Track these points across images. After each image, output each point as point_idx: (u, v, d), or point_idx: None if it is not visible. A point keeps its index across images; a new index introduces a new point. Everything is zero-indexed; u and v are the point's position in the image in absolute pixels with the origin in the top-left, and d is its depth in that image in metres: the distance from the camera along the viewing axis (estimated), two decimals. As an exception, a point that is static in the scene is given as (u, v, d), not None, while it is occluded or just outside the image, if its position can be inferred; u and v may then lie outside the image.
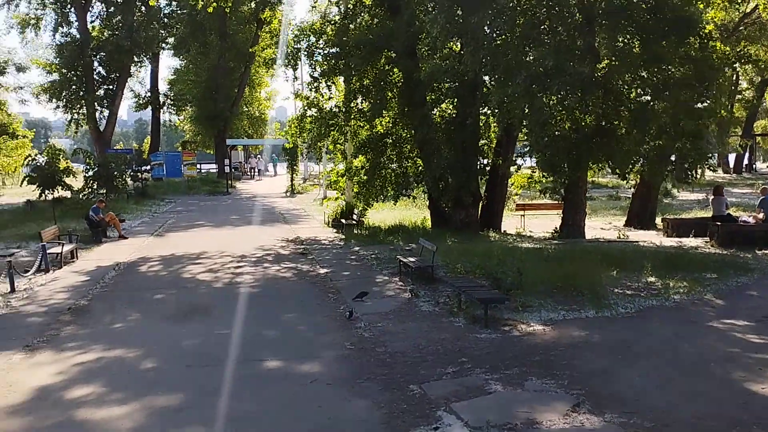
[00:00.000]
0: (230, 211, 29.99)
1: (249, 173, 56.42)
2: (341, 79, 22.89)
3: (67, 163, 25.03)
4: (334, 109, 22.64)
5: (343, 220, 22.61)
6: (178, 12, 46.81)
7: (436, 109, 21.24)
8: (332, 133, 22.72)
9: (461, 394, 6.77)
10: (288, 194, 40.00)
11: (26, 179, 24.65)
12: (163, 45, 46.91)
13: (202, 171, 53.15)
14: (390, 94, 21.81)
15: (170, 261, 16.70)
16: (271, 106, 66.54)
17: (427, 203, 23.63)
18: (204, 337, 9.70)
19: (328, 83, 22.25)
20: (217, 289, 13.45)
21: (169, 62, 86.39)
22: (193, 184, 42.41)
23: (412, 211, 27.55)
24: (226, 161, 43.57)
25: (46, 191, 22.47)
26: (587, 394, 6.69)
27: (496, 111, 17.01)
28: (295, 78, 23.15)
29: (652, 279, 12.28)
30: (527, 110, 14.22)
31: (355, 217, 22.73)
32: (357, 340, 9.19)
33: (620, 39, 14.91)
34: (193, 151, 52.49)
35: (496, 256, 13.55)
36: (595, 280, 11.43)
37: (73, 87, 41.48)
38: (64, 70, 40.50)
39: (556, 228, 20.58)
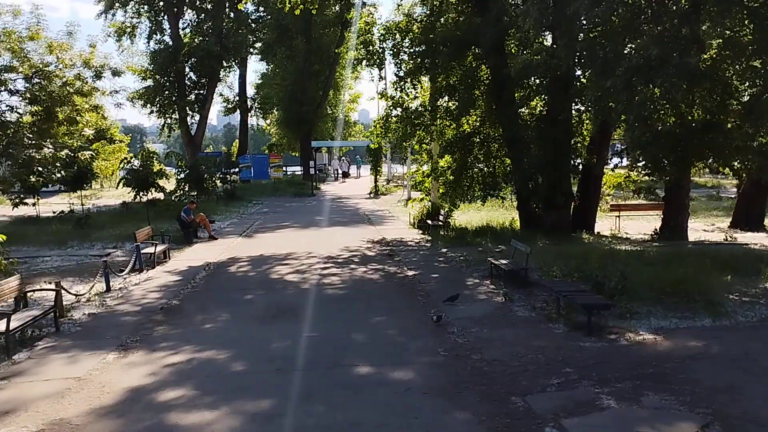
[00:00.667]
0: (315, 213, 30.12)
1: (333, 175, 56.88)
2: (427, 78, 22.49)
3: (160, 165, 25.76)
4: (420, 109, 22.25)
5: (429, 221, 22.18)
6: (265, 17, 47.69)
7: (525, 107, 20.47)
8: (418, 132, 22.32)
9: (570, 410, 6.22)
10: (372, 195, 39.93)
11: (122, 181, 25.51)
12: (251, 50, 47.83)
13: (288, 173, 53.97)
14: (477, 92, 21.23)
15: (258, 261, 16.74)
16: (355, 108, 66.94)
17: (516, 204, 22.87)
18: (293, 339, 9.48)
19: (414, 82, 21.90)
20: (304, 290, 13.30)
21: (256, 66, 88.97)
22: (279, 186, 43.01)
23: (499, 212, 26.82)
24: (311, 163, 43.95)
25: (141, 193, 23.13)
26: (715, 414, 6.00)
27: (591, 107, 16.13)
28: (381, 78, 22.83)
29: (772, 285, 11.26)
30: (627, 105, 13.33)
31: (441, 218, 22.26)
32: (451, 346, 8.75)
33: (729, 25, 13.76)
34: (279, 153, 53.34)
35: (596, 258, 12.78)
36: (707, 285, 10.53)
37: (166, 92, 42.83)
38: (157, 76, 41.88)
39: (655, 229, 19.44)
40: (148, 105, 43.05)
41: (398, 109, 22.59)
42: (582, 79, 18.35)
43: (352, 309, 11.51)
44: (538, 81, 19.45)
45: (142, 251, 16.72)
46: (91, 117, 58.97)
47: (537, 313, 10.30)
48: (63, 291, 11.84)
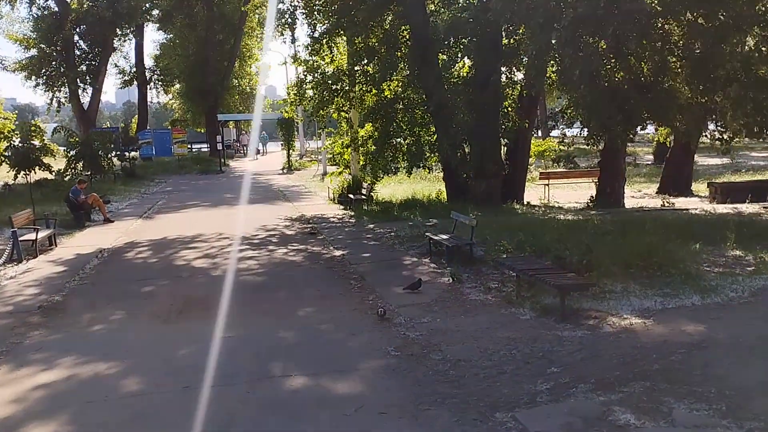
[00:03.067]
0: (226, 190, 27.83)
1: (241, 151, 53.95)
2: (344, 40, 20.69)
3: (42, 140, 22.80)
4: (337, 73, 20.44)
5: (351, 196, 20.53)
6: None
7: (451, 69, 19.03)
8: (336, 99, 20.51)
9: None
10: (285, 171, 37.83)
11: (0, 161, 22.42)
12: (148, 17, 44.19)
13: (194, 150, 50.80)
14: (399, 54, 19.60)
15: (161, 246, 14.64)
16: (263, 81, 63.93)
17: (442, 174, 21.54)
18: (205, 342, 7.66)
19: (330, 44, 20.02)
20: (216, 278, 11.41)
21: (154, 36, 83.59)
22: (184, 163, 40.14)
23: (423, 184, 25.52)
24: (218, 138, 41.20)
25: (22, 172, 20.29)
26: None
27: (529, 65, 14.83)
28: (293, 40, 20.82)
29: (739, 252, 10.30)
30: (572, 60, 12.09)
31: (364, 191, 20.66)
32: (401, 343, 7.19)
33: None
34: (183, 129, 50.04)
35: (544, 230, 11.52)
36: (678, 256, 9.40)
37: (54, 63, 38.92)
38: (42, 45, 37.88)
39: (591, 197, 18.57)
40: (33, 77, 39.02)
41: (314, 74, 20.68)
42: (514, 37, 17.06)
43: (276, 299, 9.77)
44: (465, 41, 18.01)
45: (22, 238, 14.31)
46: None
47: (493, 296, 8.91)
48: None
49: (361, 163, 22.67)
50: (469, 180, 18.73)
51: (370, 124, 21.14)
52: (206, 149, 48.89)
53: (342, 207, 20.49)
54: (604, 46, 12.12)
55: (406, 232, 14.56)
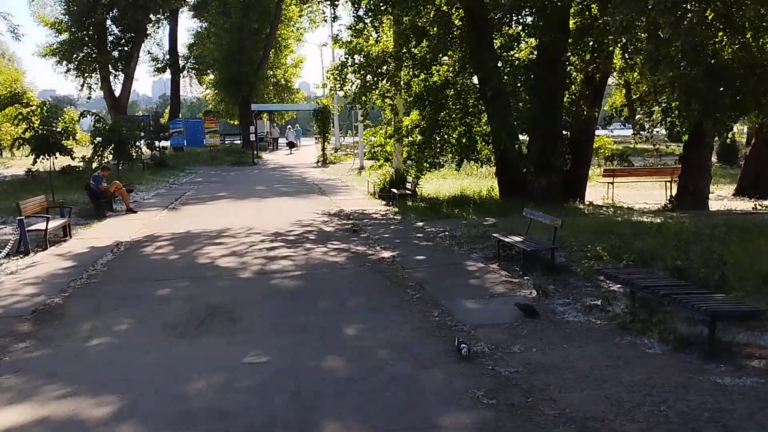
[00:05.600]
0: (257, 182, 26.21)
1: (272, 145, 52.25)
2: (390, 20, 18.78)
3: (64, 123, 21.32)
4: (382, 55, 18.55)
5: (394, 190, 18.66)
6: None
7: (512, 51, 17.01)
8: (380, 84, 18.65)
9: None
10: (319, 164, 36.13)
11: (15, 143, 20.94)
12: (182, 3, 42.79)
13: (226, 143, 49.41)
14: (451, 35, 17.63)
15: (184, 240, 12.94)
16: (298, 74, 62.25)
17: (495, 169, 19.55)
18: (228, 370, 5.88)
19: (375, 24, 18.15)
20: (244, 280, 9.65)
21: (188, 24, 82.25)
22: (216, 154, 38.77)
23: (468, 180, 23.55)
24: (252, 129, 39.63)
25: (42, 157, 18.86)
26: None
27: (615, 41, 12.75)
28: (335, 18, 19.05)
29: None
30: (673, 30, 10.03)
31: (408, 186, 18.77)
32: (494, 384, 5.28)
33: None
34: (216, 119, 48.69)
35: (644, 234, 9.49)
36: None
37: (85, 48, 37.68)
38: (73, 29, 36.65)
39: (670, 197, 16.40)
40: (64, 62, 37.85)
41: (357, 56, 18.84)
42: (586, 14, 15.02)
43: (316, 310, 7.93)
44: (529, 20, 16.03)
45: (31, 228, 12.78)
46: (3, 77, 53.07)
47: (597, 317, 6.96)
48: None
49: (405, 155, 20.84)
50: (529, 175, 16.72)
51: (417, 112, 19.27)
52: (239, 142, 47.43)
53: (384, 202, 18.66)
54: (711, 15, 10.06)
55: (463, 232, 12.67)
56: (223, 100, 51.40)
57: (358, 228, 14.01)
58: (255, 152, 38.13)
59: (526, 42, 17.01)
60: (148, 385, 5.58)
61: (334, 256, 11.21)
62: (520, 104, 17.09)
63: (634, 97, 16.81)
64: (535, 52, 16.85)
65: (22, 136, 18.91)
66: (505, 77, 16.93)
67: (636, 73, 17.28)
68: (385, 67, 18.47)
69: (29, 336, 7.16)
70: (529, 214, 10.33)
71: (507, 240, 9.83)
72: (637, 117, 15.84)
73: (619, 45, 13.45)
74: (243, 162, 36.35)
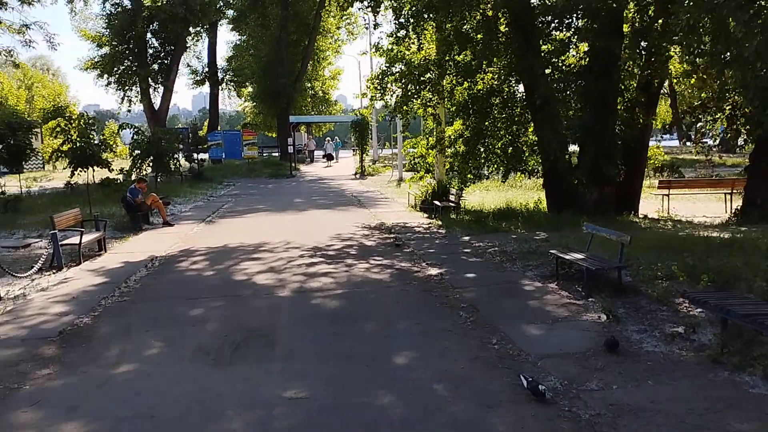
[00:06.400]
0: (295, 194, 25.77)
1: (309, 157, 51.87)
2: (432, 26, 18.13)
3: (111, 137, 21.18)
4: (425, 62, 17.90)
5: (436, 203, 17.93)
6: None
7: (562, 57, 16.17)
8: (423, 92, 18.01)
9: None
10: (357, 176, 35.64)
11: (53, 156, 20.84)
12: (221, 15, 42.91)
13: (264, 155, 49.30)
14: (497, 41, 16.89)
15: (220, 255, 12.41)
16: (336, 86, 62.13)
17: (542, 180, 18.70)
18: (265, 407, 5.24)
19: (417, 31, 17.51)
20: (283, 300, 9.02)
21: (227, 37, 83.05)
22: (253, 166, 38.57)
23: (512, 192, 22.74)
24: (289, 141, 39.35)
25: (79, 170, 18.67)
26: None
27: (680, 40, 11.87)
28: (376, 25, 18.44)
29: None
30: (746, 27, 9.18)
31: (452, 198, 18.02)
32: (574, 431, 4.51)
33: None
34: (254, 131, 48.64)
35: (750, 253, 8.59)
36: None
37: (125, 61, 37.91)
38: (114, 43, 36.90)
39: (735, 210, 15.35)
40: (105, 75, 38.14)
41: (398, 65, 18.23)
42: (643, 16, 14.16)
43: (361, 335, 7.26)
44: (581, 23, 15.21)
45: (65, 242, 12.41)
46: (47, 91, 53.86)
47: (681, 347, 6.14)
48: None
49: (447, 166, 20.13)
50: (580, 186, 15.85)
51: (460, 121, 18.56)
52: (276, 154, 47.26)
53: (425, 215, 17.96)
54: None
55: (513, 248, 11.89)
56: (261, 112, 51.45)
57: (401, 242, 13.32)
58: (293, 164, 37.85)
59: (577, 47, 16.17)
60: (176, 424, 4.97)
61: (378, 273, 10.54)
62: (570, 112, 16.25)
63: (695, 104, 15.80)
64: (586, 58, 16.00)
65: (60, 148, 18.77)
66: (554, 84, 16.13)
67: (693, 80, 16.34)
68: (427, 75, 17.85)
69: (53, 361, 6.63)
70: (590, 228, 9.52)
71: (567, 257, 9.02)
72: (698, 125, 14.84)
73: (682, 47, 12.53)
74: (281, 174, 36.05)
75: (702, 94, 15.99)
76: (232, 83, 49.44)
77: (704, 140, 15.96)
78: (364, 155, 38.19)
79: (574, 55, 16.72)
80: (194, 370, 6.28)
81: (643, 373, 5.56)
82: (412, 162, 24.43)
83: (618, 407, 4.85)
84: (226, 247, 13.31)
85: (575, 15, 15.09)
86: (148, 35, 37.93)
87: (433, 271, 10.41)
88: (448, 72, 17.50)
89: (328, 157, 49.17)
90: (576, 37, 15.41)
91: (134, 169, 25.27)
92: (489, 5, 16.48)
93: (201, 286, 9.99)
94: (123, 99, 39.26)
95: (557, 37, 16.29)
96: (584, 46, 15.99)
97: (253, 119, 56.49)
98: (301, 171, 40.17)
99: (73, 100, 62.75)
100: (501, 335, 6.84)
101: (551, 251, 9.73)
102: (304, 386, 5.68)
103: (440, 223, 16.03)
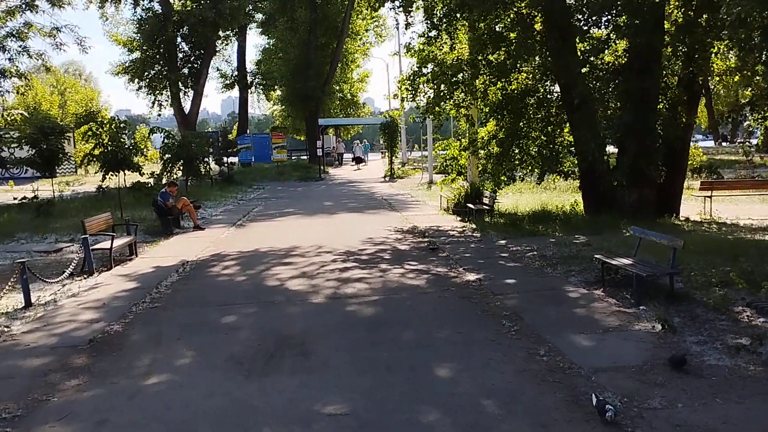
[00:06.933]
0: (325, 197, 25.54)
1: (338, 160, 51.66)
2: (465, 26, 17.75)
3: (142, 141, 21.19)
4: (457, 62, 17.52)
5: (470, 205, 17.53)
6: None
7: (600, 55, 15.68)
8: (455, 93, 17.65)
9: None
10: (387, 179, 35.33)
11: (84, 160, 20.89)
12: (250, 19, 42.97)
13: (293, 158, 49.26)
14: (531, 40, 16.44)
15: (251, 260, 12.19)
16: (364, 89, 61.94)
17: (577, 183, 18.23)
18: (302, 421, 4.95)
19: (449, 30, 17.16)
20: (316, 306, 8.74)
21: (255, 41, 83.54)
22: (283, 170, 38.50)
23: (546, 194, 22.24)
24: (318, 144, 39.22)
25: (110, 174, 18.67)
26: None
27: (730, 34, 11.34)
28: (407, 25, 18.07)
29: None
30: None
31: (485, 200, 17.61)
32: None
33: None
34: (283, 134, 48.63)
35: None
36: None
37: (156, 66, 38.09)
38: (145, 47, 37.06)
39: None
40: (136, 80, 38.36)
41: (430, 65, 17.89)
42: (687, 11, 13.64)
43: (400, 344, 6.93)
44: (621, 20, 14.71)
45: (96, 246, 12.31)
46: (80, 96, 54.49)
47: (748, 361, 5.70)
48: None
49: (480, 168, 19.72)
50: (619, 188, 15.35)
51: (494, 122, 18.16)
52: (305, 157, 47.18)
53: (458, 218, 17.58)
54: None
55: (553, 252, 11.48)
56: (290, 115, 51.45)
57: (436, 246, 12.97)
58: (322, 167, 37.69)
59: (615, 44, 15.67)
60: (210, 440, 4.69)
61: (413, 279, 10.20)
62: (609, 111, 15.77)
63: (742, 102, 15.17)
64: (625, 55, 15.50)
65: (92, 152, 18.77)
66: (592, 83, 15.65)
67: (737, 77, 15.72)
68: (460, 76, 17.47)
69: (83, 371, 6.41)
70: (637, 231, 9.07)
71: (613, 262, 8.60)
72: (745, 124, 14.24)
73: (732, 42, 12.00)
74: (310, 177, 35.91)
75: (747, 92, 15.36)
76: (261, 87, 49.52)
77: (749, 140, 15.27)
78: (394, 158, 37.88)
79: (611, 53, 16.22)
80: (227, 381, 6.01)
81: (708, 389, 5.15)
82: (444, 164, 24.09)
83: (687, 429, 4.45)
84: (257, 251, 13.09)
85: (614, 11, 14.62)
86: (178, 39, 37.99)
87: (471, 276, 10.05)
88: (482, 72, 17.11)
89: (357, 160, 48.96)
90: (615, 34, 14.90)
91: (165, 173, 25.30)
92: (524, 3, 16.07)
93: (233, 292, 9.75)
94: (153, 103, 39.41)
95: (595, 35, 15.85)
96: (623, 43, 15.49)
97: (282, 122, 56.54)
98: (330, 174, 40.00)
99: (105, 105, 63.43)
100: (549, 346, 6.46)
101: (595, 256, 9.29)
102: (343, 400, 5.37)
103: (474, 226, 15.65)
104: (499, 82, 17.19)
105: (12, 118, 15.85)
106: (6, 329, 7.95)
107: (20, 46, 14.29)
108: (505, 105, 17.25)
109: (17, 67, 14.02)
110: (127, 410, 5.40)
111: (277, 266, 11.47)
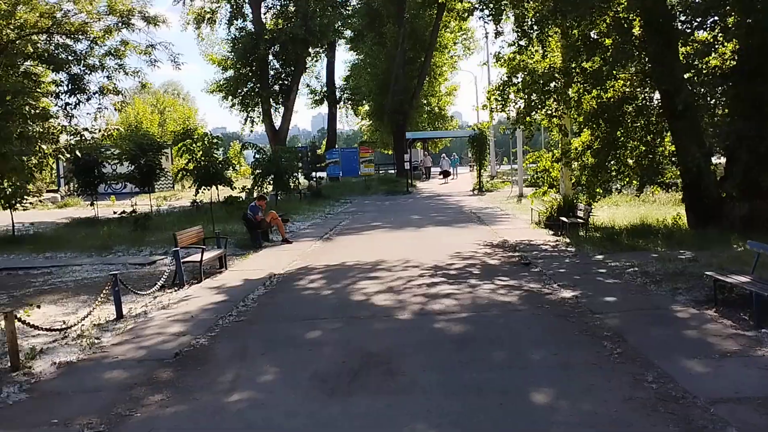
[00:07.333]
0: (412, 211, 25.27)
1: (425, 174, 51.35)
2: (557, 33, 17.14)
3: (235, 157, 21.68)
4: (550, 71, 16.92)
5: (563, 219, 16.79)
6: (354, 3, 43.84)
7: (705, 58, 14.70)
8: (547, 102, 17.03)
9: None
10: (476, 192, 34.76)
11: (179, 175, 21.54)
12: (339, 35, 43.61)
13: (380, 172, 49.47)
14: (629, 45, 15.62)
15: (337, 274, 12.02)
16: (452, 101, 61.57)
17: (679, 195, 17.17)
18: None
19: (540, 38, 16.57)
20: (402, 323, 8.41)
21: (345, 56, 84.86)
22: (370, 183, 38.62)
23: (644, 207, 21.14)
24: (406, 157, 39.12)
25: (203, 188, 19.14)
26: None
27: None
28: (497, 33, 17.57)
29: None
30: None
31: (580, 213, 16.83)
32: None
33: None
34: (370, 148, 48.91)
35: None
36: None
37: (249, 83, 39.19)
38: (238, 65, 38.24)
39: None
40: (229, 97, 39.59)
41: (520, 74, 17.36)
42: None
43: (491, 365, 6.50)
44: (730, 20, 13.75)
45: (187, 259, 12.47)
46: (178, 114, 56.77)
47: None
48: (25, 327, 7.52)
49: (573, 180, 18.93)
50: (728, 200, 14.30)
51: (588, 131, 17.39)
52: (393, 171, 47.25)
53: (551, 232, 16.89)
54: None
55: (656, 268, 10.71)
56: (378, 129, 51.75)
57: (528, 261, 12.41)
58: (409, 181, 37.53)
59: (723, 46, 14.65)
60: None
61: (505, 295, 9.72)
62: (715, 119, 14.76)
63: None
64: (734, 58, 14.46)
65: (186, 167, 19.30)
66: (696, 88, 14.70)
67: None
68: (552, 84, 16.87)
69: (167, 385, 6.33)
70: (756, 246, 8.24)
71: (727, 280, 7.84)
72: None
73: None
74: (397, 191, 35.80)
75: None
76: (349, 102, 50.10)
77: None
78: (482, 171, 37.27)
79: (718, 56, 15.19)
80: (310, 400, 5.76)
81: None
82: (534, 177, 23.36)
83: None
84: (343, 264, 12.92)
85: (721, 11, 13.67)
86: (270, 57, 38.98)
87: (567, 293, 9.46)
88: (575, 80, 16.47)
89: (445, 174, 48.58)
90: (723, 35, 13.92)
91: (255, 187, 25.78)
92: (621, 7, 15.31)
93: (318, 306, 9.58)
94: (246, 120, 40.56)
95: (698, 38, 14.91)
96: (731, 45, 14.48)
97: (369, 137, 56.98)
98: (418, 187, 39.78)
99: (201, 122, 65.88)
100: (657, 371, 5.86)
101: (706, 273, 8.55)
102: (432, 426, 5.00)
103: (568, 240, 14.96)
104: (594, 90, 16.47)
105: (109, 133, 16.50)
106: (96, 341, 8.04)
107: (117, 64, 14.90)
108: (601, 114, 16.48)
109: (114, 84, 14.67)
110: (207, 429, 5.24)
111: (363, 280, 11.24)
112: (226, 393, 6.06)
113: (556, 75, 16.60)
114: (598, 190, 17.35)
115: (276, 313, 9.27)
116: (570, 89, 16.73)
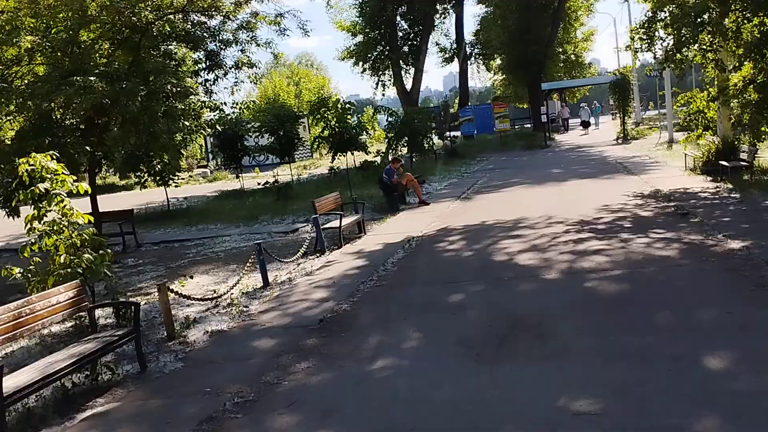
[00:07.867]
0: (552, 165, 24.16)
1: (563, 126, 49.03)
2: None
3: (369, 123, 21.76)
4: (703, 2, 15.26)
5: (723, 163, 15.26)
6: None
7: None
8: (701, 36, 15.42)
9: None
10: (620, 141, 32.69)
11: (314, 143, 21.86)
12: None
13: (516, 127, 47.88)
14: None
15: (477, 233, 11.61)
16: (589, 48, 58.15)
17: None
18: (545, 421, 4.27)
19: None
20: (549, 283, 7.91)
21: (473, 10, 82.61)
22: (506, 140, 37.47)
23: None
24: (543, 110, 37.52)
25: (338, 155, 19.29)
26: None
27: None
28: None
29: None
30: None
31: (744, 156, 15.21)
32: None
33: None
34: (505, 103, 47.46)
35: None
36: None
37: (378, 47, 39.14)
38: (367, 30, 38.25)
39: None
40: (360, 63, 39.77)
41: (667, 8, 15.83)
42: None
43: (653, 328, 5.90)
44: None
45: (327, 225, 12.60)
46: (313, 84, 58.10)
47: None
48: (179, 297, 7.82)
49: (732, 120, 17.17)
50: None
51: (750, 64, 15.57)
52: (529, 125, 45.59)
53: (709, 178, 15.44)
54: None
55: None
56: (511, 83, 49.99)
57: (686, 211, 11.36)
58: (547, 134, 36.05)
59: None
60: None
61: (662, 249, 8.90)
62: None
63: None
64: None
65: (321, 134, 19.56)
66: None
67: None
68: (705, 16, 15.20)
69: (313, 353, 6.30)
70: None
71: None
72: None
73: None
74: (535, 145, 34.47)
75: None
76: (480, 57, 48.73)
77: None
78: (626, 118, 35.02)
79: None
80: (456, 368, 5.49)
81: None
82: (686, 120, 21.54)
83: None
84: (483, 224, 12.49)
85: None
86: (397, 18, 38.63)
87: (735, 244, 8.50)
88: (733, 8, 14.73)
89: (584, 125, 46.20)
90: None
91: (390, 151, 25.76)
92: None
93: (459, 268, 9.27)
94: (377, 84, 40.61)
95: None
96: None
97: (503, 92, 55.23)
98: (556, 140, 38.12)
99: (334, 91, 67.08)
100: None
101: None
102: (591, 396, 4.55)
103: (731, 186, 13.59)
104: (755, 18, 14.66)
105: (246, 105, 17.04)
106: (245, 309, 8.23)
107: (249, 36, 15.19)
108: (765, 43, 14.66)
109: (248, 57, 15.00)
110: (352, 399, 5.12)
111: (505, 239, 10.77)
112: (369, 360, 5.93)
113: (710, 4, 14.92)
114: (764, 128, 15.61)
115: (416, 277, 9.07)
116: (727, 19, 15.01)
